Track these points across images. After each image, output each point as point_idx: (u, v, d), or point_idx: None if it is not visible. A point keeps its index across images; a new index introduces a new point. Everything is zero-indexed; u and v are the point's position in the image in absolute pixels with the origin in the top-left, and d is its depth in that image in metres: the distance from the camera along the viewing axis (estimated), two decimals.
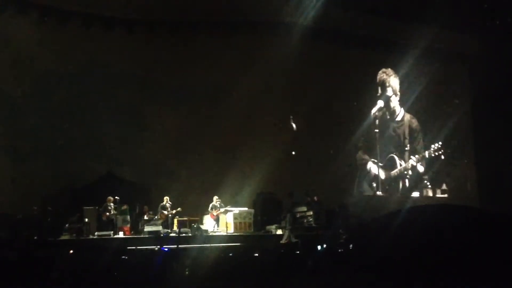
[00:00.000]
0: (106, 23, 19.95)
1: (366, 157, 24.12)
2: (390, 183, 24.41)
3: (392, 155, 24.57)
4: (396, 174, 24.54)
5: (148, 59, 20.35)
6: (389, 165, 24.48)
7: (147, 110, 20.47)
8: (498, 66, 22.49)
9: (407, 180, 24.61)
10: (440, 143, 24.33)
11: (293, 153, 21.69)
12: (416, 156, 24.75)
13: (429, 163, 24.74)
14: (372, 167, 24.16)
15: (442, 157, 24.52)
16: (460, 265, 4.57)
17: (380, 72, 24.55)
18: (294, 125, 21.50)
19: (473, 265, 4.51)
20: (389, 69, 24.57)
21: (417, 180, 24.64)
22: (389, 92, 24.70)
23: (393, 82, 24.77)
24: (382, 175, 24.22)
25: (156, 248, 12.47)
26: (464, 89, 25.57)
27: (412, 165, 24.71)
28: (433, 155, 24.54)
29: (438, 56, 24.44)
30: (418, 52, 22.91)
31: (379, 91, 24.44)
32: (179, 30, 20.83)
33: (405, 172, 24.64)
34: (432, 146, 24.52)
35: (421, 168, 24.82)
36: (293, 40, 20.80)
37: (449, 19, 20.55)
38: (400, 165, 24.63)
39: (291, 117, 21.54)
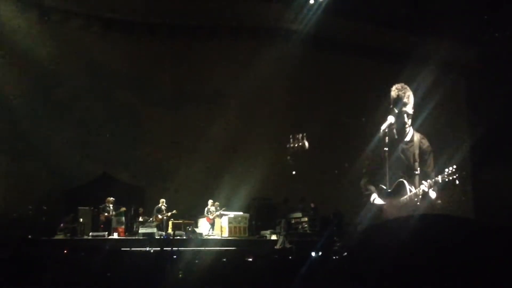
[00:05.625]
0: (105, 24, 19.85)
1: (372, 188, 22.47)
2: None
3: (401, 180, 22.57)
4: (405, 201, 22.45)
5: (147, 61, 20.32)
6: (397, 192, 22.43)
7: (144, 112, 20.41)
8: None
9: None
10: (454, 166, 22.25)
11: (289, 159, 21.61)
12: (428, 181, 22.63)
13: (443, 188, 22.61)
14: (377, 199, 22.39)
15: (457, 182, 22.33)
16: (462, 279, 4.58)
17: (397, 86, 23.05)
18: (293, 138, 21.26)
19: (474, 278, 4.53)
20: (404, 84, 23.00)
21: (429, 207, 22.17)
22: (402, 109, 22.94)
23: (409, 99, 23.04)
24: (390, 203, 22.27)
25: (152, 251, 12.49)
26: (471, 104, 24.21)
27: (423, 190, 22.50)
28: (447, 179, 22.34)
29: (449, 71, 23.27)
30: (427, 67, 21.85)
31: (392, 106, 22.89)
32: (179, 33, 20.74)
33: (416, 199, 22.46)
34: (446, 170, 22.39)
35: (433, 194, 22.69)
36: (293, 47, 20.72)
37: (462, 32, 19.87)
38: (410, 190, 22.58)
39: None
